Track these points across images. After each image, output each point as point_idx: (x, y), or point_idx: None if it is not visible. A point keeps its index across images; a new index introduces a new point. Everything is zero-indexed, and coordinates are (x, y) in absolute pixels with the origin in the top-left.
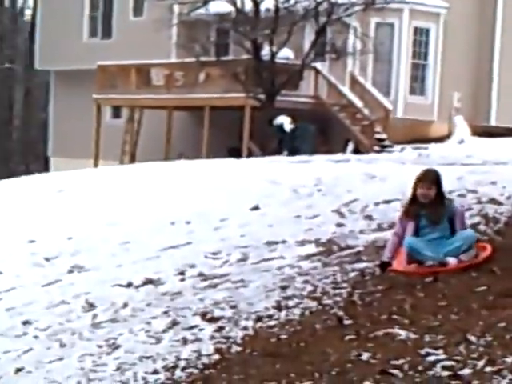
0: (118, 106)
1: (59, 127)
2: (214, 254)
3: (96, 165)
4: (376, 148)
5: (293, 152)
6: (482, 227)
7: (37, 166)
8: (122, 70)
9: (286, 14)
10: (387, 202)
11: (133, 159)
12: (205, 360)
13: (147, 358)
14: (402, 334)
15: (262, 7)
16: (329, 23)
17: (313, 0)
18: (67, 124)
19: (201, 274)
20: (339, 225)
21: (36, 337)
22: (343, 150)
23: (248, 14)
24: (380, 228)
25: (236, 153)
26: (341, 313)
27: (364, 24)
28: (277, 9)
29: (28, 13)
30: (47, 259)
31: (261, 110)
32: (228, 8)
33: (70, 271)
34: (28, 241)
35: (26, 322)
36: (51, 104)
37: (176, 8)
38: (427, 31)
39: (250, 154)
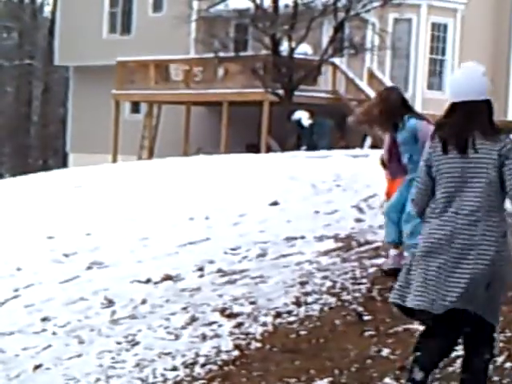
0: (137, 102)
1: (78, 123)
2: (233, 249)
3: (114, 160)
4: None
5: (311, 147)
6: None
7: (55, 162)
8: (140, 66)
9: (304, 10)
10: None
11: (151, 154)
12: (224, 356)
13: (166, 354)
14: (422, 329)
15: (281, 3)
16: (347, 19)
17: None
18: (86, 120)
19: (220, 270)
20: (358, 220)
21: (54, 333)
22: (361, 144)
23: (267, 10)
24: None
25: (254, 148)
26: (360, 308)
27: (382, 20)
28: (295, 5)
29: (48, 9)
30: (66, 255)
31: (279, 105)
32: (247, 4)
33: (89, 267)
34: (46, 237)
35: (44, 319)
36: (70, 100)
37: (195, 4)
38: (445, 26)
39: (269, 150)
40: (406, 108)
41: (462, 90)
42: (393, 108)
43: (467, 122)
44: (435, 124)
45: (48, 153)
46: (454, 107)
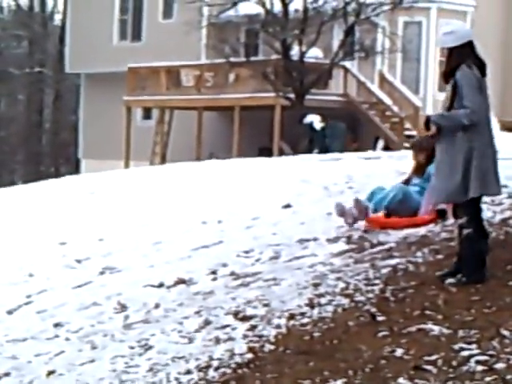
0: (149, 108)
1: (90, 129)
2: (245, 252)
3: (127, 166)
4: (406, 145)
5: (323, 150)
6: None
7: (67, 169)
8: (152, 72)
9: (314, 15)
10: None
11: (163, 160)
12: (238, 359)
13: (180, 358)
14: (436, 329)
15: (291, 8)
16: (357, 23)
17: (341, 0)
18: (97, 126)
19: (233, 273)
20: None
21: (67, 339)
22: (373, 147)
23: (277, 14)
24: None
25: (267, 152)
26: (373, 309)
27: (392, 23)
28: (305, 9)
29: (58, 17)
30: (78, 261)
31: (291, 109)
32: (257, 9)
33: (102, 272)
34: (59, 243)
35: (57, 325)
36: (81, 107)
37: (205, 10)
38: None
39: (281, 153)
40: None
41: None
42: None
43: None
44: None
45: (60, 160)
46: None
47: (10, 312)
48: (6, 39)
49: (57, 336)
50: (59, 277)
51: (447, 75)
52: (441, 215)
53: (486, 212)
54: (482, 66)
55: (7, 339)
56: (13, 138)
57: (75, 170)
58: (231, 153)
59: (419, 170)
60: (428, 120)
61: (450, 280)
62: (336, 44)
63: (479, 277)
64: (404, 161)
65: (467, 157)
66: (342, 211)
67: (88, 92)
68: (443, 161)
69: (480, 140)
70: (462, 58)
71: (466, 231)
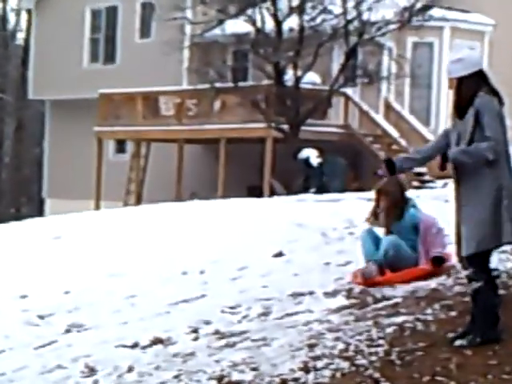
0: (123, 140)
1: (55, 164)
2: (231, 308)
3: (97, 207)
4: (415, 184)
5: (321, 189)
6: None
7: (30, 209)
8: (126, 99)
9: (311, 34)
10: None
11: (139, 200)
12: None
13: None
14: None
15: (285, 27)
16: (360, 44)
17: (342, 18)
18: (64, 161)
19: (217, 332)
20: None
21: None
22: None
23: (269, 34)
24: None
25: (256, 191)
26: (377, 374)
27: (400, 44)
28: (301, 28)
29: (20, 36)
30: (41, 317)
31: (284, 142)
32: (246, 28)
33: (68, 330)
34: (19, 296)
35: None
36: (46, 138)
37: (188, 29)
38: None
39: (273, 193)
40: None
41: None
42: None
43: None
44: None
45: (21, 199)
46: None
47: None
48: None
49: None
50: (19, 335)
51: (461, 108)
52: (438, 263)
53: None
54: (496, 95)
55: None
56: None
57: (38, 211)
58: (216, 192)
59: (378, 216)
60: (444, 157)
61: (460, 342)
62: (336, 68)
63: (493, 335)
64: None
65: (497, 196)
66: (369, 274)
67: (54, 121)
68: (468, 204)
69: (506, 176)
70: (474, 87)
71: (475, 284)
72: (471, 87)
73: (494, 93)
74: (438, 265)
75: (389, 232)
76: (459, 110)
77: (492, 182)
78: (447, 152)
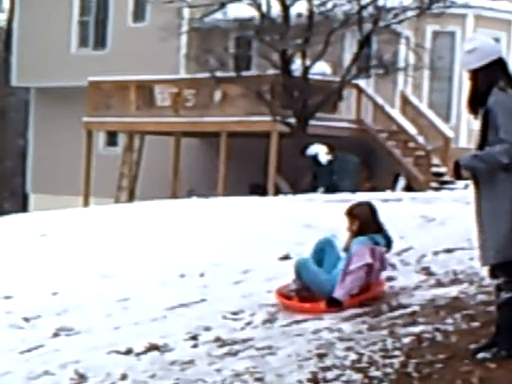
0: (114, 132)
1: (40, 157)
2: (234, 313)
3: (86, 203)
4: (433, 184)
5: (330, 189)
6: None
7: (12, 205)
8: (118, 88)
9: (321, 20)
10: (449, 251)
11: (131, 197)
12: None
13: None
14: None
15: (293, 12)
16: (375, 32)
17: (355, 3)
18: (51, 153)
19: (218, 339)
20: (389, 279)
21: None
22: (392, 186)
23: (275, 19)
24: (440, 283)
25: (259, 190)
26: None
27: (418, 33)
28: (311, 14)
29: (3, 17)
30: (27, 320)
31: (291, 137)
32: (250, 12)
33: (56, 334)
34: (3, 297)
35: None
36: (31, 129)
37: (186, 12)
38: (496, 41)
39: (278, 192)
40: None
41: None
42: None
43: None
44: None
45: (3, 194)
46: None
47: None
48: None
49: None
50: (3, 339)
51: (475, 104)
52: (332, 304)
53: None
54: None
55: None
56: None
57: (22, 206)
58: (216, 190)
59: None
60: (457, 165)
61: (483, 355)
62: (348, 57)
63: None
64: (432, 205)
65: None
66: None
67: (39, 111)
68: (485, 212)
69: None
70: (490, 80)
71: (504, 295)
72: (486, 80)
73: None
74: (331, 306)
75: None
76: (472, 107)
77: (508, 186)
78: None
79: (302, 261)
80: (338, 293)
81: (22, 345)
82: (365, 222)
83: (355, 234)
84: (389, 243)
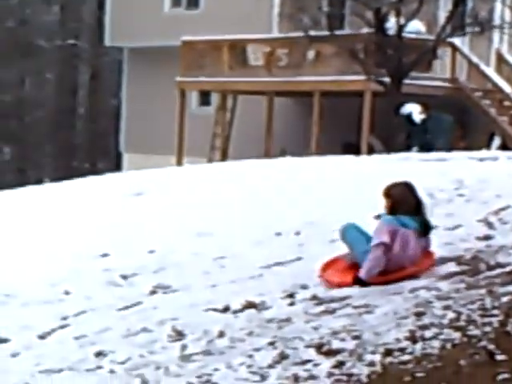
0: (207, 91)
1: (134, 117)
2: None
3: (179, 163)
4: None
5: (424, 148)
6: None
7: (106, 164)
8: (211, 47)
9: None
10: None
11: (224, 156)
12: None
13: None
14: None
15: None
16: None
17: None
18: (144, 113)
19: (314, 297)
20: (487, 237)
21: (112, 371)
22: (487, 145)
23: None
24: None
25: (353, 149)
26: (491, 346)
27: None
28: None
29: None
30: (124, 277)
31: (384, 96)
32: None
33: (153, 292)
34: (100, 254)
35: (99, 354)
36: (124, 88)
37: None
38: None
39: (371, 151)
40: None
41: None
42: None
43: None
44: None
45: (97, 154)
46: None
47: (41, 337)
48: (33, 4)
49: (99, 367)
50: (101, 296)
51: None
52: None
53: None
54: None
55: (39, 369)
56: (40, 125)
57: (115, 166)
58: (308, 149)
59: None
60: None
61: None
62: (442, 16)
63: None
64: None
65: None
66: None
67: (132, 70)
68: None
69: None
70: None
71: None
72: None
73: None
74: (356, 283)
75: None
76: None
77: None
78: None
79: (348, 225)
80: (361, 272)
81: (120, 302)
82: (397, 201)
83: (388, 213)
84: (425, 228)
